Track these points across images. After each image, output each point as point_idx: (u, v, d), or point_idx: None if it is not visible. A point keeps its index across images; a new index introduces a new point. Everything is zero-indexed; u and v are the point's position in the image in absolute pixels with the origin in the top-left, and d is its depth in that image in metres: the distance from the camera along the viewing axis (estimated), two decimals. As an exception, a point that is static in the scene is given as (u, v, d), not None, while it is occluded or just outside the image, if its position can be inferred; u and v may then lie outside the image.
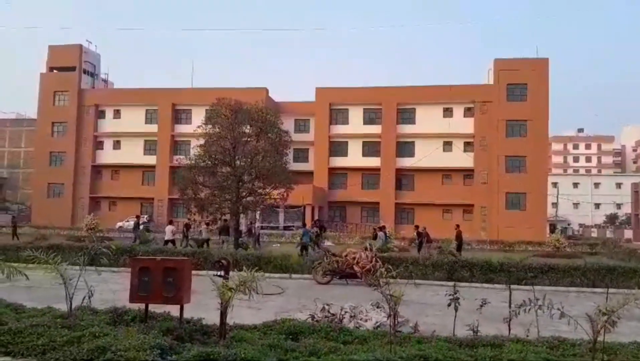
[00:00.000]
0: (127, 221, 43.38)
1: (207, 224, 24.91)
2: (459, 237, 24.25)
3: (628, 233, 60.01)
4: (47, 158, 53.11)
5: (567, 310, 5.80)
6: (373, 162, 49.74)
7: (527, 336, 6.80)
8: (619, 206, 76.77)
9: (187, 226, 27.11)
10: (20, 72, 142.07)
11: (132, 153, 52.34)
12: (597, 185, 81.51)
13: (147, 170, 52.57)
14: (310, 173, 49.25)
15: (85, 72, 54.61)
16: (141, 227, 26.07)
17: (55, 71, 54.60)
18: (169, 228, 24.07)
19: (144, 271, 6.70)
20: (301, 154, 51.52)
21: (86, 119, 53.24)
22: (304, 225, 26.57)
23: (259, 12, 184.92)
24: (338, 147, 50.95)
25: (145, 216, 46.86)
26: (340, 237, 37.78)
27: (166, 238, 23.34)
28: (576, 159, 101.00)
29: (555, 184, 69.13)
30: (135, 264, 6.87)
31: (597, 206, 78.90)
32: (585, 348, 6.07)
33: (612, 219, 74.40)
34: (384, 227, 27.23)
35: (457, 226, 25.52)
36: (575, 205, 77.03)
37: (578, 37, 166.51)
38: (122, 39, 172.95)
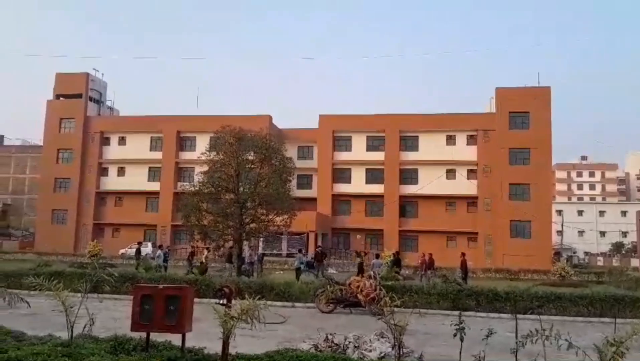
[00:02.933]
0: (130, 247, 43.27)
1: (208, 250, 24.86)
2: (464, 266, 24.03)
3: (634, 262, 59.28)
4: (51, 184, 53.36)
5: (574, 340, 5.71)
6: (376, 189, 49.76)
7: (535, 367, 6.67)
8: (624, 234, 76.18)
9: (192, 254, 26.98)
10: (27, 100, 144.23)
11: (136, 180, 52.56)
12: (602, 213, 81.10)
13: (150, 197, 52.68)
14: (314, 200, 49.26)
15: (91, 99, 55.33)
16: (158, 255, 25.96)
17: (61, 98, 55.36)
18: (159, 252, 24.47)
19: (146, 299, 6.64)
20: (305, 181, 51.59)
21: (91, 146, 53.69)
22: (300, 251, 26.63)
23: (261, 40, 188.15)
24: (341, 174, 51.08)
25: (166, 247, 46.61)
26: (343, 264, 37.54)
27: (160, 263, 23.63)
28: (580, 187, 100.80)
29: (559, 212, 68.80)
30: (138, 292, 6.82)
31: (603, 234, 78.35)
32: (594, 380, 5.93)
33: (617, 247, 73.71)
34: (378, 255, 27.19)
35: (463, 254, 25.32)
36: (581, 233, 76.53)
37: (580, 65, 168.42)
38: (128, 66, 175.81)
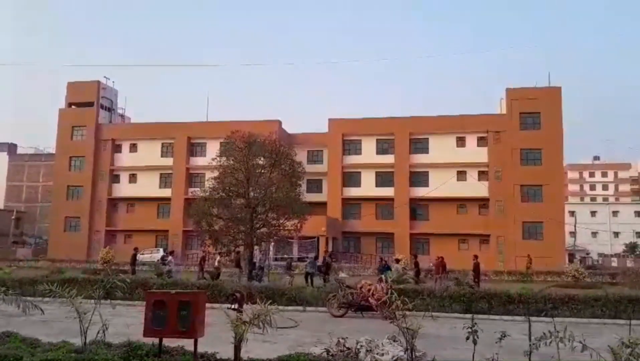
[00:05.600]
0: (143, 253, 43.51)
1: (221, 255, 24.93)
2: (476, 268, 23.87)
3: (650, 262, 58.50)
4: (64, 192, 53.87)
5: (588, 342, 5.64)
6: (387, 192, 49.63)
7: (549, 370, 6.61)
8: (638, 234, 75.20)
9: (203, 259, 27.11)
10: (39, 108, 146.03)
11: (148, 186, 52.93)
12: (615, 213, 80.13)
13: (162, 203, 52.99)
14: (324, 204, 49.23)
15: (102, 107, 55.85)
16: (169, 261, 25.99)
17: (73, 107, 55.95)
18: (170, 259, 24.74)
19: (158, 305, 6.68)
20: (315, 185, 51.60)
21: (103, 153, 54.17)
22: (316, 258, 26.60)
23: (270, 44, 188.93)
24: (351, 178, 51.03)
25: (165, 251, 46.73)
26: (354, 268, 37.43)
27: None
28: (593, 188, 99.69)
29: (572, 213, 68.06)
30: (150, 298, 6.86)
31: (616, 234, 77.40)
32: (609, 382, 5.86)
33: (632, 248, 72.76)
34: (398, 260, 27.14)
35: (475, 257, 25.17)
36: (594, 234, 75.63)
37: (592, 64, 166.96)
38: (139, 74, 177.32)
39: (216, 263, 25.39)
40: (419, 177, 49.52)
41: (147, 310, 6.75)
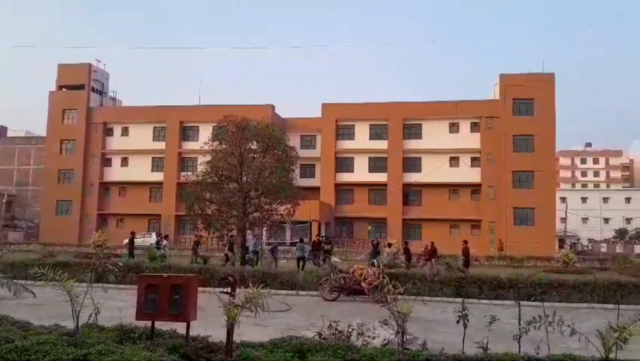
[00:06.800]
0: (135, 238, 43.38)
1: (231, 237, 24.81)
2: (466, 253, 24.08)
3: (638, 248, 59.23)
4: (55, 175, 53.54)
5: (577, 327, 5.72)
6: (380, 177, 49.74)
7: (537, 353, 6.69)
8: (628, 220, 76.02)
9: (197, 243, 27.15)
10: (30, 91, 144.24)
11: (140, 170, 52.67)
12: (605, 200, 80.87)
13: (154, 187, 52.84)
14: (317, 189, 49.28)
15: (93, 90, 55.33)
16: (165, 245, 25.96)
17: (64, 89, 55.33)
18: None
19: (150, 289, 6.67)
20: (308, 170, 51.60)
21: (94, 136, 53.75)
22: (301, 240, 26.59)
23: (264, 29, 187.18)
24: (344, 163, 51.06)
25: (159, 235, 46.64)
26: (347, 253, 37.59)
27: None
28: (584, 174, 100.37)
29: (563, 199, 68.60)
30: (142, 282, 6.85)
31: (607, 220, 78.17)
32: (597, 365, 5.95)
33: (621, 234, 73.63)
34: (390, 244, 27.25)
35: (465, 242, 25.37)
36: (584, 220, 76.36)
37: (584, 50, 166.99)
38: (130, 56, 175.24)
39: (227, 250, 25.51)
40: (412, 163, 49.64)
41: (139, 293, 6.75)
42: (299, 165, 38.93)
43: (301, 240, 26.60)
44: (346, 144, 50.96)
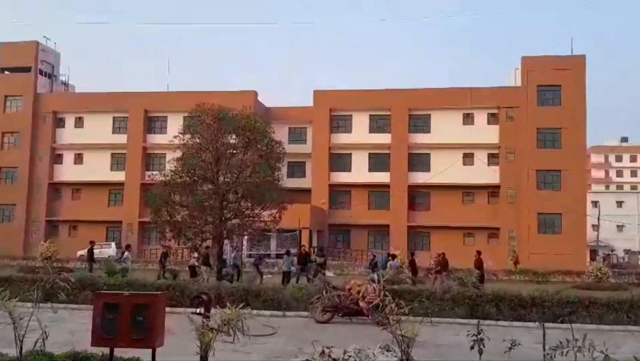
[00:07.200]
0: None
1: (198, 251, 24.96)
2: (479, 266, 24.26)
3: (682, 261, 59.94)
4: (-5, 175, 53.21)
5: (611, 352, 5.77)
6: (381, 177, 49.85)
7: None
8: (671, 228, 76.68)
9: (165, 255, 27.10)
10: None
11: (97, 169, 52.34)
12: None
13: (114, 189, 52.62)
14: (308, 191, 49.30)
15: (42, 73, 55.02)
16: (126, 257, 26.00)
17: (6, 72, 54.96)
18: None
19: (109, 309, 6.66)
20: (297, 169, 51.61)
21: (43, 128, 53.43)
22: (287, 253, 26.63)
23: (248, 4, 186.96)
24: (340, 160, 51.12)
25: (119, 246, 46.42)
26: (343, 266, 37.67)
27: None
28: (619, 174, 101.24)
29: (595, 203, 69.17)
30: (99, 300, 6.84)
31: (646, 228, 78.80)
32: (634, 398, 6.00)
33: (663, 244, 74.30)
34: (394, 255, 27.45)
35: (478, 253, 25.55)
36: (620, 228, 76.93)
37: (620, 29, 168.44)
38: (85, 36, 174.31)
39: (193, 261, 25.57)
40: (419, 161, 49.79)
41: (95, 314, 6.73)
42: (287, 163, 39.09)
43: (288, 252, 26.62)
44: (342, 138, 51.02)
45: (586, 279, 31.10)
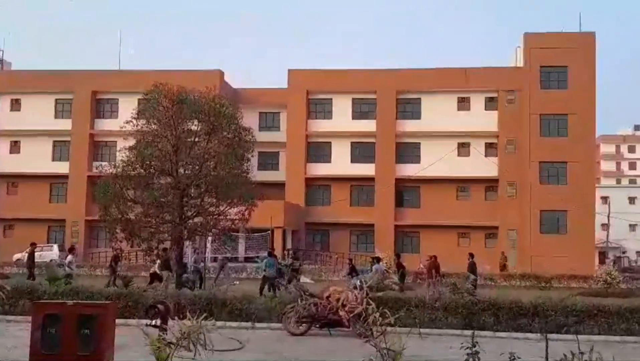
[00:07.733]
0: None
1: (158, 256, 24.86)
2: (472, 270, 24.56)
3: (701, 264, 61.20)
4: None
5: (621, 366, 5.86)
6: (365, 169, 50.03)
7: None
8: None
9: (116, 259, 26.89)
10: None
11: (36, 159, 51.69)
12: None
13: (56, 182, 52.16)
14: (282, 185, 49.33)
15: (-29, 47, 54.14)
16: (70, 262, 25.79)
17: None
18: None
19: (50, 321, 6.63)
20: (269, 160, 51.59)
21: (-27, 111, 52.62)
22: (270, 254, 26.68)
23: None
24: (318, 150, 51.19)
25: (61, 248, 45.99)
26: (321, 271, 37.75)
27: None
28: (633, 166, 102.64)
29: (605, 199, 70.22)
30: (39, 311, 6.80)
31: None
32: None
33: (680, 245, 75.75)
34: (379, 258, 27.65)
35: (471, 255, 25.87)
36: (632, 227, 78.23)
37: (633, 5, 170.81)
38: (27, 6, 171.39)
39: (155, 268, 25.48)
40: (407, 151, 50.08)
41: (34, 327, 6.69)
42: (257, 153, 38.90)
43: (270, 253, 26.76)
44: (321, 125, 51.04)
45: (594, 284, 31.62)
